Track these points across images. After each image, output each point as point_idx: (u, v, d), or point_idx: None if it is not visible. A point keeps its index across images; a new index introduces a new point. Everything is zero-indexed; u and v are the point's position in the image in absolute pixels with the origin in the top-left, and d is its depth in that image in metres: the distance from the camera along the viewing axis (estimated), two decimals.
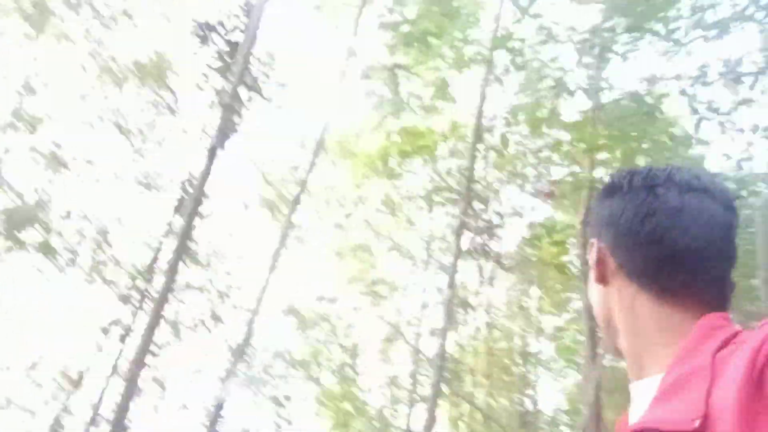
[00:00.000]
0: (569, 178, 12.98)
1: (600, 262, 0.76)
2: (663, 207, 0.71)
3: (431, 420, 7.47)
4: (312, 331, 9.65)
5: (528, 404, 11.80)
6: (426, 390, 10.47)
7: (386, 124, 9.34)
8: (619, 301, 0.73)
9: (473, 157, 8.52)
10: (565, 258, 14.08)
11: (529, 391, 12.30)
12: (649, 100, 8.79)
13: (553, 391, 15.09)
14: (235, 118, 7.01)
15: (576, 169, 12.65)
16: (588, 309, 11.55)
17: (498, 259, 11.69)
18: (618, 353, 0.75)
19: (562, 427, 13.01)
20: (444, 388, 9.22)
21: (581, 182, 11.89)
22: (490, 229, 9.86)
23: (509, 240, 12.82)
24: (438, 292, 10.30)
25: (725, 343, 0.59)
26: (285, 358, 8.82)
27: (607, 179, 0.80)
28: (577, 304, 13.75)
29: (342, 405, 9.67)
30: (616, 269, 0.74)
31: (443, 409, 11.01)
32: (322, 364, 9.56)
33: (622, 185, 0.76)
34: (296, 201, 8.76)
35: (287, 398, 8.86)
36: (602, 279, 0.76)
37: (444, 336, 7.96)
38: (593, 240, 0.78)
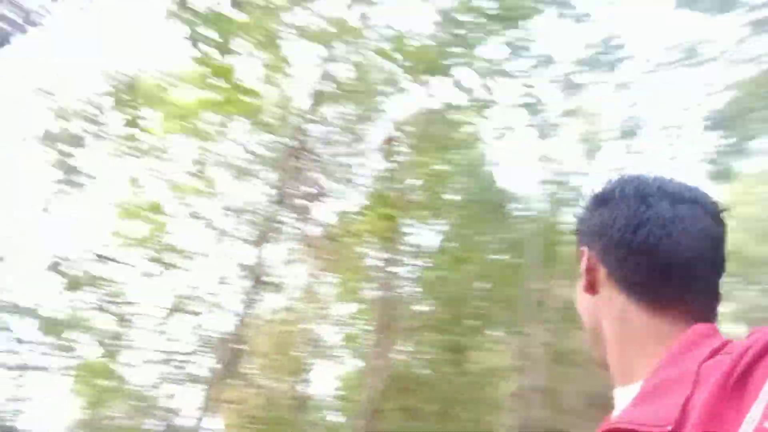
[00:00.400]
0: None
1: (590, 271, 0.75)
2: (655, 217, 0.70)
3: (209, 402, 6.92)
4: (81, 294, 8.34)
5: (307, 389, 11.78)
6: (205, 371, 9.82)
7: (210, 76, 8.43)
8: (609, 311, 0.73)
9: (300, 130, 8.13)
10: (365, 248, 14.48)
11: (308, 376, 12.30)
12: None
13: (331, 378, 15.43)
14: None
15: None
16: (381, 299, 11.99)
17: (308, 242, 11.49)
18: (603, 364, 0.74)
19: (336, 413, 13.28)
20: (226, 369, 8.68)
21: (394, 175, 12.32)
22: (305, 208, 9.57)
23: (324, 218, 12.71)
24: (239, 268, 9.69)
25: (713, 353, 0.59)
26: (40, 322, 7.47)
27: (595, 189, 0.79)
28: (370, 294, 14.26)
29: (101, 381, 8.52)
30: (606, 278, 0.73)
31: (221, 391, 10.46)
32: (85, 333, 8.31)
33: (614, 194, 0.74)
34: (81, 141, 7.48)
35: (42, 369, 7.53)
36: (591, 288, 0.75)
37: (242, 314, 7.46)
38: (583, 248, 0.76)
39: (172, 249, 9.77)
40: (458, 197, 14.10)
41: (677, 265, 0.69)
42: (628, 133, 12.47)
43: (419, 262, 14.40)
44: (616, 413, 0.68)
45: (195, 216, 10.40)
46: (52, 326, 7.56)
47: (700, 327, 0.65)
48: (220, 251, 9.66)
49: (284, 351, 12.03)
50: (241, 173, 9.68)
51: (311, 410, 11.88)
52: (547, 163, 15.51)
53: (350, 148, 12.42)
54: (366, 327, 12.78)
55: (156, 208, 9.84)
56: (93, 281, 8.26)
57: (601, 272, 0.74)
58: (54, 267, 7.96)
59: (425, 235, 14.83)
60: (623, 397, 0.68)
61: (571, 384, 18.97)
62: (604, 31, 10.87)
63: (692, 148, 11.60)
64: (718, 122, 10.99)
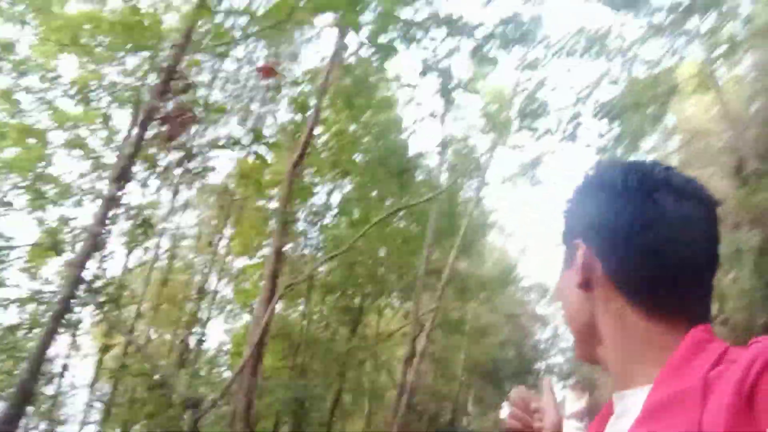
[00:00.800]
0: (290, 126, 12.94)
1: (586, 268, 0.71)
2: (662, 217, 0.68)
3: (78, 347, 6.35)
4: None
5: (192, 341, 11.28)
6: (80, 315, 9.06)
7: None
8: (605, 311, 0.70)
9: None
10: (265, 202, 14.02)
11: (197, 329, 11.80)
12: None
13: (221, 332, 14.96)
14: None
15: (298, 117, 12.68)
16: (275, 254, 11.61)
17: (205, 189, 10.87)
18: (593, 360, 0.73)
19: (221, 368, 12.91)
20: (104, 314, 8.03)
21: (299, 128, 11.89)
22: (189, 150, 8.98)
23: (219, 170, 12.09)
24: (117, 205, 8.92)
25: (716, 363, 0.58)
26: None
27: (591, 171, 0.76)
28: (265, 250, 13.84)
29: None
30: (604, 277, 0.70)
31: (92, 337, 9.74)
32: None
33: (615, 183, 0.71)
34: None
35: None
36: (586, 285, 0.71)
37: (99, 254, 6.86)
38: (578, 241, 0.73)
39: (48, 179, 8.88)
40: (366, 158, 13.98)
41: (682, 268, 0.67)
42: (531, 113, 12.84)
43: (321, 220, 14.20)
44: (614, 419, 0.68)
45: (74, 145, 9.48)
46: None
47: (700, 332, 0.64)
48: (100, 187, 8.86)
49: (173, 301, 11.43)
50: (124, 100, 8.85)
51: (199, 363, 11.41)
52: (452, 134, 15.79)
53: (254, 92, 11.85)
54: (259, 283, 12.39)
55: (31, 132, 8.87)
56: None
57: (598, 269, 0.70)
58: None
59: (328, 193, 14.65)
60: (623, 402, 0.68)
61: (456, 352, 19.84)
62: (515, 9, 10.99)
63: (585, 134, 12.14)
64: (609, 113, 11.59)
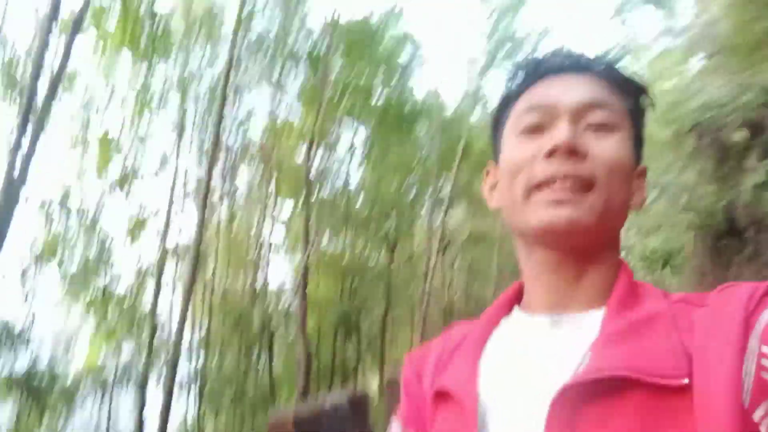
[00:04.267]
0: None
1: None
2: None
3: (185, 303, 8.71)
4: (56, 222, 9.67)
5: (259, 283, 13.77)
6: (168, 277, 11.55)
7: None
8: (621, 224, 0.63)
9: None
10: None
11: (260, 272, 14.26)
12: None
13: (281, 271, 17.47)
14: None
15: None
16: (317, 199, 13.74)
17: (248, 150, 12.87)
18: (586, 259, 0.60)
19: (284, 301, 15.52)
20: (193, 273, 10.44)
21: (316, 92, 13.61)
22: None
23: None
24: (186, 185, 11.13)
25: (666, 296, 0.57)
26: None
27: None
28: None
29: (88, 293, 10.12)
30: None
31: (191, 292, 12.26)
32: (67, 254, 9.75)
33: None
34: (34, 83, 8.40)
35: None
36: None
37: (200, 226, 9.05)
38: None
39: (131, 172, 11.07)
40: (379, 103, 15.60)
41: None
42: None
43: (349, 164, 16.14)
44: (574, 345, 0.56)
45: (142, 138, 11.59)
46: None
47: (624, 263, 0.63)
48: (170, 168, 11.03)
49: (239, 252, 13.83)
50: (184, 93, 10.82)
51: (268, 299, 13.94)
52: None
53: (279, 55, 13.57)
54: (304, 225, 14.66)
55: (105, 139, 10.97)
56: (66, 209, 9.57)
57: None
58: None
59: (349, 137, 16.47)
60: (566, 324, 0.59)
61: (489, 261, 21.98)
62: None
63: None
64: None
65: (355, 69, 14.29)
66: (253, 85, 13.68)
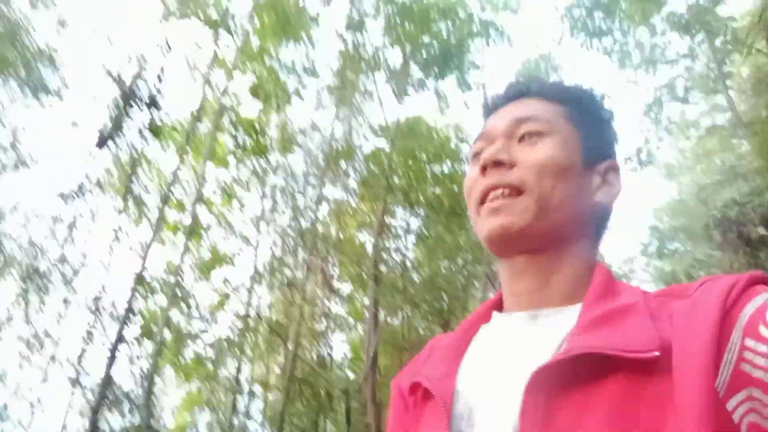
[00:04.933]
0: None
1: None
2: None
3: (267, 369, 10.10)
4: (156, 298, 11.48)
5: (325, 353, 15.09)
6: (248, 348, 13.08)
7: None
8: (588, 224, 0.69)
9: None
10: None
11: (326, 342, 15.62)
12: None
13: (342, 343, 18.79)
14: None
15: None
16: (376, 278, 15.16)
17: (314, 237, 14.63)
18: (542, 244, 0.65)
19: (347, 370, 16.66)
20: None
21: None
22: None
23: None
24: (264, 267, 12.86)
25: (644, 293, 0.59)
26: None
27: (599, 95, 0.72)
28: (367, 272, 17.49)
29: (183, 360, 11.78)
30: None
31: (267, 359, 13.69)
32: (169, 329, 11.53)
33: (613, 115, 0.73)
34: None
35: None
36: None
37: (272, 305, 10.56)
38: (612, 161, 0.71)
39: (216, 256, 12.90)
40: (435, 190, 17.21)
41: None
42: None
43: (405, 244, 17.60)
44: (551, 336, 0.59)
45: (227, 227, 13.51)
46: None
47: (603, 264, 0.66)
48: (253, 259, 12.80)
49: (307, 324, 15.30)
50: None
51: (332, 367, 15.18)
52: None
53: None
54: (365, 300, 16.02)
55: (200, 227, 12.90)
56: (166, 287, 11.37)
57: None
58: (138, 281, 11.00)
59: (407, 220, 18.01)
60: (542, 320, 0.63)
61: None
62: None
63: None
64: None
65: (411, 162, 16.10)
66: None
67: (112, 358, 9.68)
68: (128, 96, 8.06)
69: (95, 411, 9.54)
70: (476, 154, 0.70)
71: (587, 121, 0.70)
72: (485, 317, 0.72)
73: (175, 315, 11.74)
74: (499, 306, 0.72)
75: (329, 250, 16.49)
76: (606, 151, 0.71)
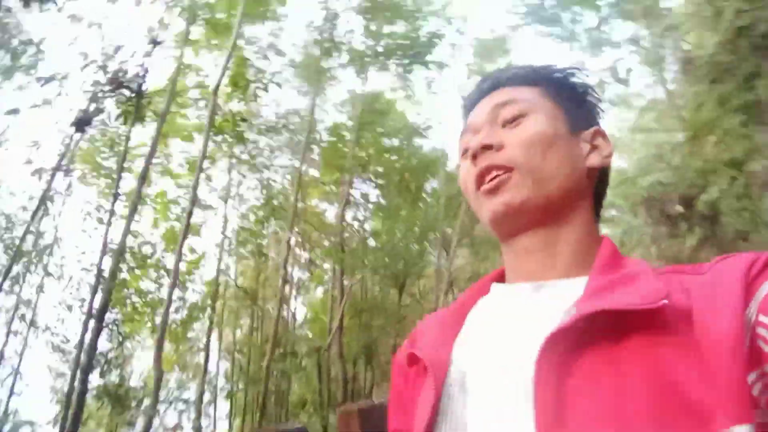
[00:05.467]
0: None
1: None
2: None
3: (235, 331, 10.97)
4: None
5: (288, 315, 16.10)
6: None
7: None
8: (585, 197, 0.69)
9: None
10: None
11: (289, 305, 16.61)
12: None
13: (302, 305, 19.86)
14: None
15: None
16: (337, 243, 16.13)
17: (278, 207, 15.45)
18: (539, 224, 0.66)
19: (307, 330, 17.75)
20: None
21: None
22: None
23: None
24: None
25: (655, 269, 0.59)
26: None
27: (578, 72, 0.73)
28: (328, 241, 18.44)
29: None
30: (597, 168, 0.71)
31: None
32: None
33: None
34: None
35: None
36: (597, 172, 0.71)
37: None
38: (597, 127, 0.72)
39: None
40: (394, 158, 18.11)
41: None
42: None
43: (365, 213, 18.56)
44: (557, 305, 0.58)
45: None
46: None
47: (608, 238, 0.67)
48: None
49: (271, 288, 16.22)
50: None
51: (295, 328, 16.23)
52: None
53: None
54: (325, 266, 17.00)
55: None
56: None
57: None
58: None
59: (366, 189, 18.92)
60: (545, 290, 0.63)
61: None
62: None
63: None
64: None
65: (372, 136, 16.87)
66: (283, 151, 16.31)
67: (86, 324, 10.39)
68: (114, 82, 8.51)
69: (74, 373, 10.33)
70: (465, 150, 0.71)
71: (565, 94, 0.71)
72: (484, 290, 0.71)
73: (146, 283, 12.46)
74: (499, 280, 0.72)
75: (294, 219, 17.29)
76: (590, 120, 0.72)
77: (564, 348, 0.53)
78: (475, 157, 0.67)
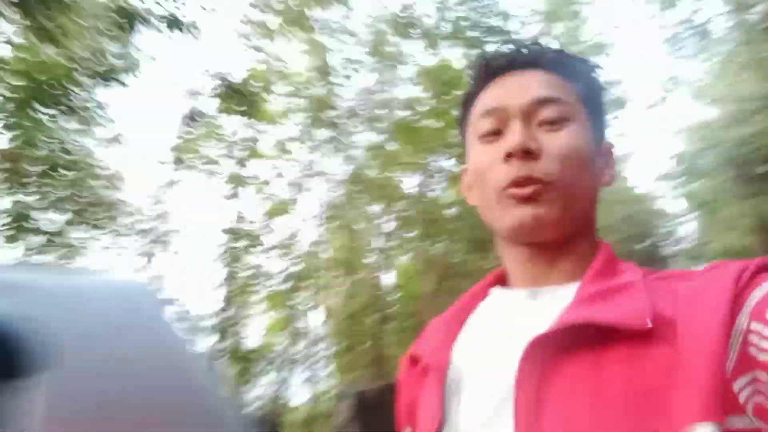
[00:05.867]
0: None
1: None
2: None
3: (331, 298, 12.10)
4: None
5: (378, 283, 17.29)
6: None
7: None
8: (593, 207, 0.68)
9: None
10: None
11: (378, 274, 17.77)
12: None
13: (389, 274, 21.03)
14: None
15: None
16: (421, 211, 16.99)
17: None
18: (560, 248, 0.65)
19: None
20: None
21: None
22: None
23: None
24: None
25: (647, 273, 0.60)
26: None
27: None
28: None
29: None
30: None
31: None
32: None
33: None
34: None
35: None
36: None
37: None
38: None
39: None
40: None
41: None
42: None
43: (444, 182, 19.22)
44: (549, 311, 0.60)
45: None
46: None
47: (606, 244, 0.67)
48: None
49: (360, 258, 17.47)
50: None
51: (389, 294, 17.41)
52: None
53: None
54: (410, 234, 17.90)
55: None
56: None
57: None
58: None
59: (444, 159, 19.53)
60: (540, 298, 0.64)
61: None
62: None
63: None
64: None
65: (445, 109, 17.39)
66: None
67: (207, 296, 11.84)
68: (217, 78, 9.58)
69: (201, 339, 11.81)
70: (490, 133, 0.67)
71: (596, 101, 0.68)
72: (483, 294, 0.72)
73: (254, 258, 13.90)
74: (497, 283, 0.72)
75: (377, 191, 18.28)
76: (604, 133, 0.69)
77: (546, 354, 0.54)
78: (510, 155, 0.63)
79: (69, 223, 8.14)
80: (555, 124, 0.64)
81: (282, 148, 15.30)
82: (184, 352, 1.10)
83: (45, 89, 6.34)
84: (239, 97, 10.69)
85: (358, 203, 19.09)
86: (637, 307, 0.54)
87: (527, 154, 0.62)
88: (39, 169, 7.02)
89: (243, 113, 10.16)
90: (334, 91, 16.09)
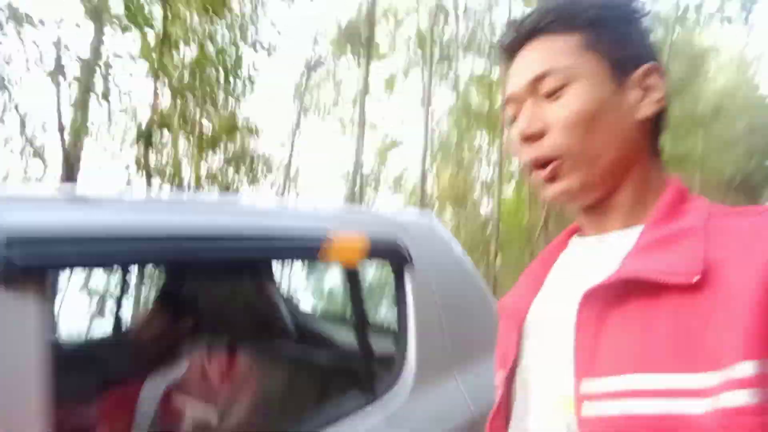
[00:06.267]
0: None
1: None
2: None
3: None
4: None
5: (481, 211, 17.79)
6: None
7: None
8: (643, 148, 0.65)
9: None
10: None
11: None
12: None
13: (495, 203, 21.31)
14: None
15: None
16: None
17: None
18: (601, 196, 0.64)
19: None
20: None
21: None
22: None
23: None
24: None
25: (713, 209, 0.58)
26: None
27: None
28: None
29: None
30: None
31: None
32: None
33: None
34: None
35: None
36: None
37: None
38: (652, 63, 0.64)
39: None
40: None
41: None
42: None
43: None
44: (613, 257, 0.60)
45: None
46: None
47: (677, 179, 0.64)
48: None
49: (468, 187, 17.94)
50: None
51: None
52: None
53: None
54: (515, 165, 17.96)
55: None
56: None
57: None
58: None
59: None
60: (604, 242, 0.65)
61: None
62: None
63: None
64: None
65: None
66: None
67: None
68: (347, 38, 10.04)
69: None
70: (512, 120, 0.68)
71: (609, 38, 0.63)
72: (564, 244, 0.74)
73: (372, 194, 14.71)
74: (576, 232, 0.74)
75: (484, 121, 18.31)
76: (640, 57, 0.63)
77: (600, 303, 0.57)
78: (522, 141, 0.65)
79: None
80: (556, 92, 0.63)
81: (391, 85, 15.67)
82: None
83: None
84: (354, 38, 11.06)
85: (465, 134, 19.29)
86: (688, 258, 0.53)
87: (531, 139, 0.64)
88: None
89: (358, 53, 10.59)
90: (440, 18, 16.00)
